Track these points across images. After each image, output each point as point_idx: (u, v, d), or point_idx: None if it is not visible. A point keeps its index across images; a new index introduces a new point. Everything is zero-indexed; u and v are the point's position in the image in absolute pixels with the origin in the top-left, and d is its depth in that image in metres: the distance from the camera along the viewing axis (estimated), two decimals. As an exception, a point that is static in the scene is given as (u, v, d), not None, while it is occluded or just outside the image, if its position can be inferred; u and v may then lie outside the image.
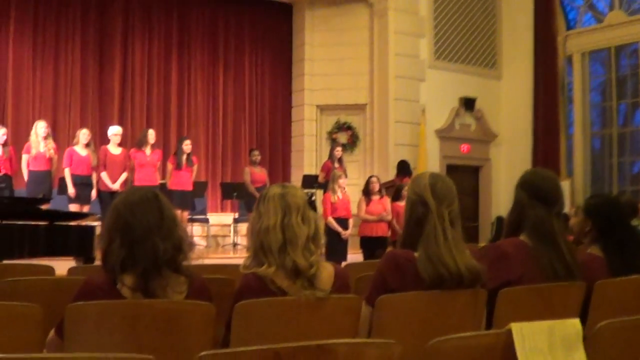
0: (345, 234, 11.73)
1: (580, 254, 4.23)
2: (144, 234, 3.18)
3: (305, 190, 13.93)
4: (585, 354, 2.58)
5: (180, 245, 3.29)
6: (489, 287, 3.60)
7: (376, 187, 12.18)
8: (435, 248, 3.47)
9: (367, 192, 12.23)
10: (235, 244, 14.86)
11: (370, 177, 12.68)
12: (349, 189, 12.63)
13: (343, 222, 11.79)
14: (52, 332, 3.21)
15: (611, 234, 4.22)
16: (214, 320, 3.19)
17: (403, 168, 15.05)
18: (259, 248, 3.42)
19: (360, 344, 2.30)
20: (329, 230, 11.67)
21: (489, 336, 2.66)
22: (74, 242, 8.14)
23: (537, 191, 3.94)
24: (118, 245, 3.18)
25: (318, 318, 3.30)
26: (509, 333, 2.48)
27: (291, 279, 3.32)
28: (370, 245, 11.75)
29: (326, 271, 3.45)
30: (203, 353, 2.12)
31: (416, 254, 3.52)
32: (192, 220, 14.57)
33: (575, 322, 2.61)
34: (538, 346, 2.50)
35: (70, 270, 5.33)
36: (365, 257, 11.72)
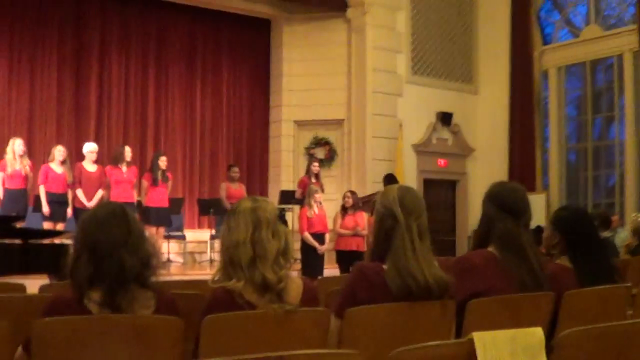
0: (321, 249, 11.73)
1: (549, 265, 4.26)
2: (110, 249, 3.17)
3: (282, 206, 14.07)
4: None
5: (149, 261, 3.28)
6: (457, 299, 3.62)
7: (349, 202, 12.18)
8: (404, 260, 3.48)
9: (343, 206, 12.24)
10: (212, 260, 14.78)
11: (346, 192, 12.69)
12: (327, 204, 12.65)
13: (319, 237, 11.80)
14: (19, 349, 3.18)
15: (579, 245, 4.24)
16: (182, 335, 3.17)
17: (390, 182, 15.00)
18: (228, 262, 3.41)
19: (322, 355, 2.30)
20: (305, 246, 11.69)
21: (451, 346, 2.66)
22: (48, 259, 8.10)
23: (504, 203, 3.97)
24: (85, 261, 3.17)
25: (286, 332, 3.29)
26: (472, 342, 2.48)
27: (260, 293, 3.32)
28: (346, 259, 11.74)
29: (295, 285, 3.46)
30: None
31: (385, 266, 3.53)
32: (168, 237, 14.51)
33: (538, 331, 2.62)
34: (500, 355, 2.50)
35: (42, 288, 5.29)
36: (342, 271, 11.71)
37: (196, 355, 3.22)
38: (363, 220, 12.09)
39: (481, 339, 2.49)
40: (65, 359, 2.99)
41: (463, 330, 3.62)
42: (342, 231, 11.96)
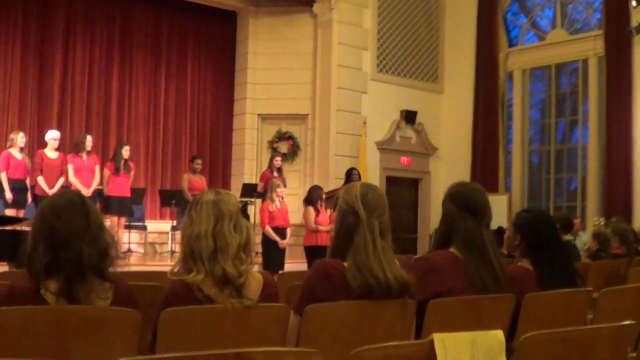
0: (282, 243, 11.72)
1: (510, 266, 4.27)
2: (69, 238, 3.13)
3: (244, 199, 14.02)
4: None
5: (107, 251, 3.24)
6: (418, 299, 3.60)
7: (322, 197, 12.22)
8: (365, 258, 3.46)
9: (312, 201, 12.18)
10: (173, 252, 14.70)
11: (319, 187, 12.67)
12: (289, 198, 12.63)
13: (281, 232, 11.78)
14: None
15: (540, 248, 4.26)
16: (139, 327, 3.15)
17: (350, 175, 14.94)
18: (188, 254, 3.38)
19: (279, 353, 2.29)
20: (266, 240, 11.67)
21: (411, 346, 2.64)
22: (7, 246, 8.00)
23: (466, 203, 3.97)
24: (42, 250, 3.13)
25: (245, 327, 3.27)
26: (432, 343, 2.47)
27: (219, 287, 3.29)
28: (317, 255, 11.70)
29: (255, 280, 3.43)
30: (122, 359, 2.08)
31: (345, 264, 3.50)
32: (129, 227, 14.42)
33: (498, 333, 2.61)
34: (460, 357, 2.49)
35: (0, 276, 5.23)
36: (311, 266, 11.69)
37: (153, 349, 3.18)
38: (327, 216, 12.09)
39: (441, 340, 2.48)
40: (21, 349, 2.96)
41: (423, 330, 3.62)
42: (320, 227, 11.93)
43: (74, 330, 3.02)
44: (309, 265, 11.62)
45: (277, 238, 11.66)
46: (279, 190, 11.88)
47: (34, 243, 3.18)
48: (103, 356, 3.05)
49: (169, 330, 3.14)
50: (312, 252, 11.99)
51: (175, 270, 3.44)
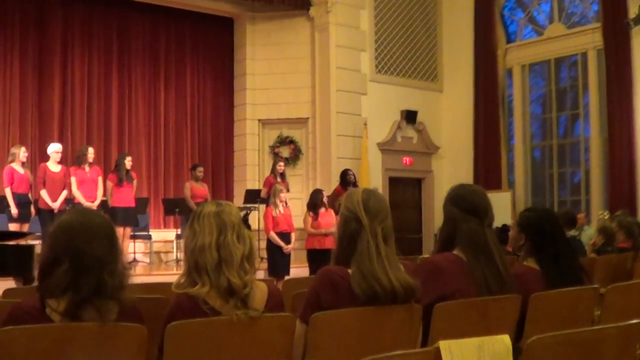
0: (287, 248, 11.71)
1: (515, 266, 4.26)
2: (94, 265, 3.09)
3: (247, 205, 14.02)
4: None
5: (125, 280, 3.22)
6: (424, 303, 3.60)
7: (324, 199, 12.20)
8: (369, 264, 3.45)
9: (313, 205, 12.19)
10: (178, 260, 14.72)
11: (320, 190, 12.65)
12: (292, 203, 12.63)
13: (285, 237, 11.77)
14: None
15: (545, 246, 4.25)
16: (145, 342, 3.14)
17: (344, 177, 14.88)
18: (193, 267, 3.38)
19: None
20: (271, 245, 11.66)
21: (417, 355, 2.64)
22: (12, 261, 7.99)
23: (468, 205, 3.96)
24: (64, 270, 3.07)
25: (252, 338, 3.27)
26: (438, 351, 2.46)
27: (224, 299, 3.29)
28: (318, 258, 11.69)
29: (260, 290, 3.43)
30: None
31: (350, 271, 3.49)
32: (134, 237, 14.40)
33: (505, 338, 2.60)
34: (467, 363, 2.47)
35: (6, 293, 5.20)
36: (313, 270, 11.67)
37: (160, 363, 3.17)
38: (332, 217, 12.04)
39: (448, 347, 2.47)
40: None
41: (430, 334, 3.62)
42: (313, 231, 11.94)
43: (80, 347, 3.00)
44: (310, 269, 11.65)
45: (281, 243, 11.64)
46: (281, 195, 11.87)
47: (54, 260, 3.11)
48: None
49: (176, 344, 3.14)
50: (312, 255, 12.00)
51: (181, 282, 3.43)
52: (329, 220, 12.05)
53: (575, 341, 2.79)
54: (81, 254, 3.08)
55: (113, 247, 3.19)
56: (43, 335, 2.96)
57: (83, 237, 3.13)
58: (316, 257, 11.81)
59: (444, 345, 2.47)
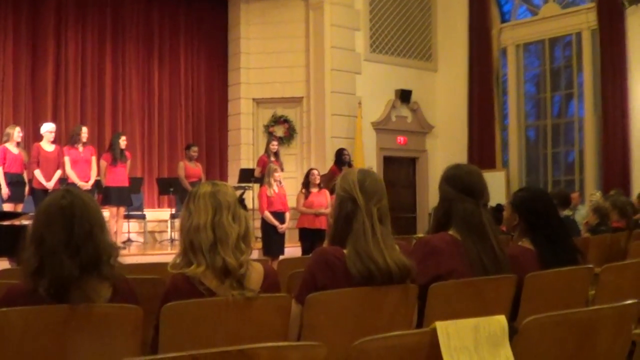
0: (281, 228, 11.69)
1: (510, 246, 4.26)
2: (52, 248, 3.10)
3: (242, 184, 14.00)
4: (512, 350, 2.57)
5: (97, 259, 3.18)
6: (419, 283, 3.59)
7: (317, 179, 12.17)
8: (364, 245, 3.45)
9: (307, 184, 12.20)
10: (172, 240, 14.73)
11: (311, 169, 12.65)
12: (286, 182, 12.61)
13: (280, 216, 11.75)
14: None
15: (539, 226, 4.25)
16: (141, 323, 3.14)
17: (339, 156, 14.82)
18: (188, 247, 3.38)
19: (283, 348, 2.25)
20: (266, 225, 11.64)
21: (414, 335, 2.63)
22: (6, 242, 7.97)
23: (463, 185, 3.95)
24: (32, 254, 3.12)
25: (247, 318, 3.27)
26: (434, 332, 2.46)
27: (220, 279, 3.29)
28: (309, 237, 11.73)
29: (255, 271, 3.44)
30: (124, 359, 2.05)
31: (345, 251, 3.49)
32: (128, 217, 14.42)
33: (501, 319, 2.60)
34: (464, 344, 2.48)
35: (0, 274, 5.20)
36: (304, 249, 11.70)
37: (156, 344, 3.18)
38: (326, 198, 12.03)
39: (444, 328, 2.47)
40: (22, 351, 2.95)
41: (425, 314, 3.62)
42: (304, 209, 11.96)
43: (74, 329, 3.00)
44: (302, 248, 11.67)
45: (276, 223, 11.62)
46: (276, 174, 11.81)
47: (27, 245, 3.17)
48: (106, 354, 3.04)
49: (171, 324, 3.14)
50: (303, 234, 12.04)
51: (176, 263, 3.43)
52: (322, 200, 12.05)
53: (571, 321, 2.79)
54: (41, 238, 3.12)
55: (72, 231, 3.15)
56: (38, 317, 2.96)
57: (44, 221, 3.17)
58: (307, 236, 11.84)
59: (440, 326, 2.47)
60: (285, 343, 2.54)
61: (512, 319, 3.74)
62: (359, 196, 3.54)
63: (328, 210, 11.87)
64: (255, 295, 3.29)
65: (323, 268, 3.49)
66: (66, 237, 3.13)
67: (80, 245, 3.15)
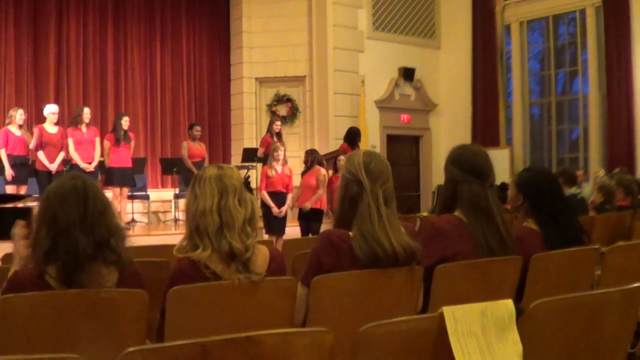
0: (276, 212, 11.42)
1: (516, 228, 4.24)
2: (67, 227, 3.12)
3: (245, 164, 13.94)
4: (519, 334, 2.58)
5: (106, 241, 3.22)
6: (425, 265, 3.59)
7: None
8: (370, 227, 3.44)
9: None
10: (176, 220, 14.71)
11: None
12: (288, 161, 12.48)
13: (279, 197, 11.44)
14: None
15: (544, 206, 4.22)
16: (147, 308, 3.15)
17: (350, 135, 14.73)
18: (194, 231, 3.37)
19: (290, 334, 2.25)
20: (263, 204, 11.43)
21: (421, 321, 2.63)
22: (10, 224, 7.94)
23: (469, 166, 3.93)
24: (43, 235, 3.13)
25: (253, 302, 3.27)
26: (442, 317, 2.46)
27: (226, 263, 3.29)
28: (305, 218, 11.63)
29: (261, 254, 3.43)
30: (130, 349, 2.05)
31: (351, 233, 3.49)
32: (132, 197, 14.39)
33: (508, 303, 2.60)
34: (471, 329, 2.48)
35: (5, 258, 5.19)
36: (302, 229, 11.62)
37: (162, 328, 3.19)
38: (314, 177, 11.84)
39: (451, 312, 2.46)
40: (28, 336, 2.95)
41: (431, 296, 3.62)
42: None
43: (81, 315, 3.01)
44: (301, 228, 11.59)
45: (271, 204, 11.37)
46: (277, 154, 11.59)
47: (37, 227, 3.19)
48: (112, 339, 3.04)
49: (177, 308, 3.14)
50: (300, 214, 11.90)
51: (182, 246, 3.42)
52: (307, 179, 11.83)
53: (578, 305, 2.78)
54: (54, 218, 3.14)
55: (86, 208, 3.18)
56: (44, 303, 2.97)
57: (56, 201, 3.18)
58: (303, 217, 11.74)
59: (447, 310, 2.46)
60: (292, 329, 2.53)
61: (517, 300, 3.74)
62: (364, 178, 3.53)
63: (321, 191, 11.71)
64: (261, 279, 3.28)
65: (329, 251, 3.49)
66: (80, 214, 3.16)
67: (94, 223, 3.19)
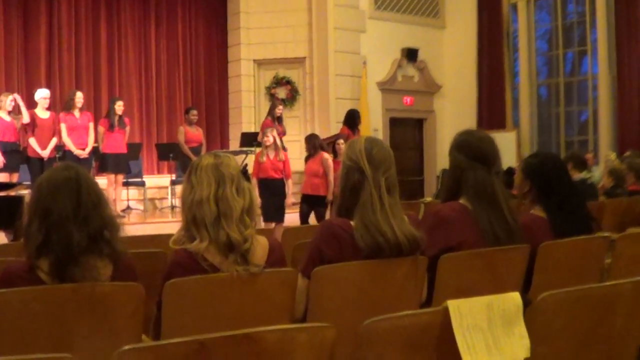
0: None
1: (522, 215, 4.17)
2: (59, 220, 3.06)
3: (244, 148, 13.79)
4: (526, 327, 2.54)
5: (100, 234, 3.16)
6: (429, 254, 3.55)
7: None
8: (372, 216, 3.38)
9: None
10: (173, 206, 14.59)
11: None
12: (289, 146, 12.34)
13: (270, 183, 11.07)
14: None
15: (551, 193, 4.17)
16: (142, 301, 3.12)
17: (350, 118, 14.64)
18: (190, 221, 3.31)
19: (290, 330, 2.25)
20: (260, 191, 11.03)
21: (425, 315, 2.59)
22: (2, 213, 7.84)
23: (475, 152, 3.85)
24: (36, 229, 3.07)
25: (252, 294, 3.24)
26: (447, 311, 2.43)
27: (224, 254, 3.24)
28: (309, 203, 11.44)
29: (260, 245, 3.38)
30: (125, 347, 2.02)
31: (353, 223, 3.43)
32: (127, 184, 14.24)
33: (515, 296, 2.56)
34: (477, 323, 2.45)
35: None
36: (302, 212, 11.44)
37: (159, 321, 3.17)
38: (319, 164, 11.63)
39: (456, 306, 2.43)
40: (20, 332, 2.92)
41: (435, 286, 3.59)
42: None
43: (75, 310, 2.98)
44: (300, 212, 11.45)
45: (255, 194, 10.72)
46: (265, 138, 11.22)
47: (29, 220, 3.14)
48: (107, 335, 3.02)
49: (174, 301, 3.12)
50: (302, 199, 11.73)
51: (178, 237, 3.37)
52: (312, 166, 11.66)
53: (588, 297, 2.74)
54: (46, 210, 3.09)
55: (79, 201, 3.13)
56: (35, 298, 2.93)
57: (47, 192, 3.13)
58: (304, 202, 11.58)
59: (452, 304, 2.43)
60: (292, 325, 2.57)
61: (524, 290, 3.70)
62: (366, 166, 3.47)
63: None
64: (260, 270, 3.24)
65: (330, 241, 3.43)
66: (74, 207, 3.11)
67: (88, 215, 3.14)
